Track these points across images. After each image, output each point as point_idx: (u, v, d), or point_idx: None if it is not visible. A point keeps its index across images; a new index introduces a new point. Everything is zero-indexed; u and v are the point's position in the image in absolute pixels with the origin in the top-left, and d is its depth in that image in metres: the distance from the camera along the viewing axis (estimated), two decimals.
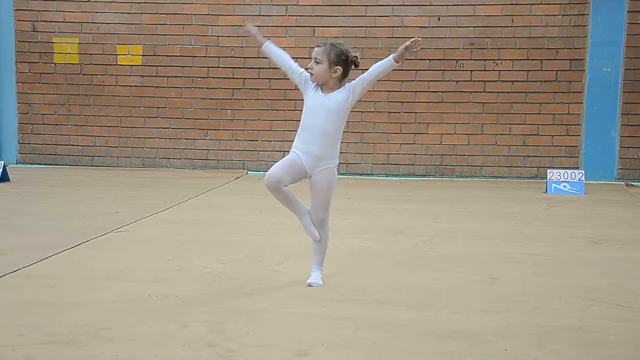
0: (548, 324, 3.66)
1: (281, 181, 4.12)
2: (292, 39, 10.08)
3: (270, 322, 3.64)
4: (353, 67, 4.23)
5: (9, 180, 8.83)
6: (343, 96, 4.14)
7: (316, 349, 3.25)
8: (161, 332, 3.48)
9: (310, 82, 4.21)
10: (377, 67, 4.11)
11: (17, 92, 10.74)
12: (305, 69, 4.24)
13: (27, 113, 10.78)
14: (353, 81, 4.21)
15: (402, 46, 4.05)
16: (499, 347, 3.32)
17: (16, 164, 10.67)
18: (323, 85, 4.19)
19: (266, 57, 9.88)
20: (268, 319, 3.68)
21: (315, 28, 10.13)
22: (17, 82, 10.72)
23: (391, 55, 4.09)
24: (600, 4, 9.66)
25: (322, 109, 4.15)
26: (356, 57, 4.22)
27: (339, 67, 4.14)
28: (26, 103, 10.75)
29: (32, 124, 10.78)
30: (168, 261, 4.91)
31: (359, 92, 4.16)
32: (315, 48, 4.20)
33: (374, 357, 3.18)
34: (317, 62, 4.13)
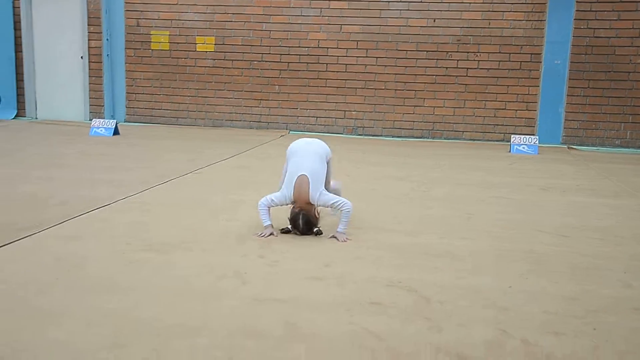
0: (506, 248, 3.65)
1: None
2: (324, 33, 9.90)
3: (304, 243, 3.67)
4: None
5: (119, 134, 8.93)
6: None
7: (336, 262, 3.28)
8: (226, 246, 3.52)
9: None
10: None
11: (126, 71, 10.75)
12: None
13: (132, 85, 10.80)
14: (325, 198, 3.72)
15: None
16: (470, 263, 3.32)
17: (124, 122, 10.74)
18: None
19: (307, 47, 9.64)
20: (303, 241, 3.71)
21: (342, 25, 9.93)
22: (125, 63, 10.72)
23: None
24: (554, 13, 9.37)
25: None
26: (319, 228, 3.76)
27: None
28: (132, 78, 10.76)
29: (135, 93, 10.81)
30: (231, 195, 4.94)
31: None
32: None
33: (379, 268, 3.20)
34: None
